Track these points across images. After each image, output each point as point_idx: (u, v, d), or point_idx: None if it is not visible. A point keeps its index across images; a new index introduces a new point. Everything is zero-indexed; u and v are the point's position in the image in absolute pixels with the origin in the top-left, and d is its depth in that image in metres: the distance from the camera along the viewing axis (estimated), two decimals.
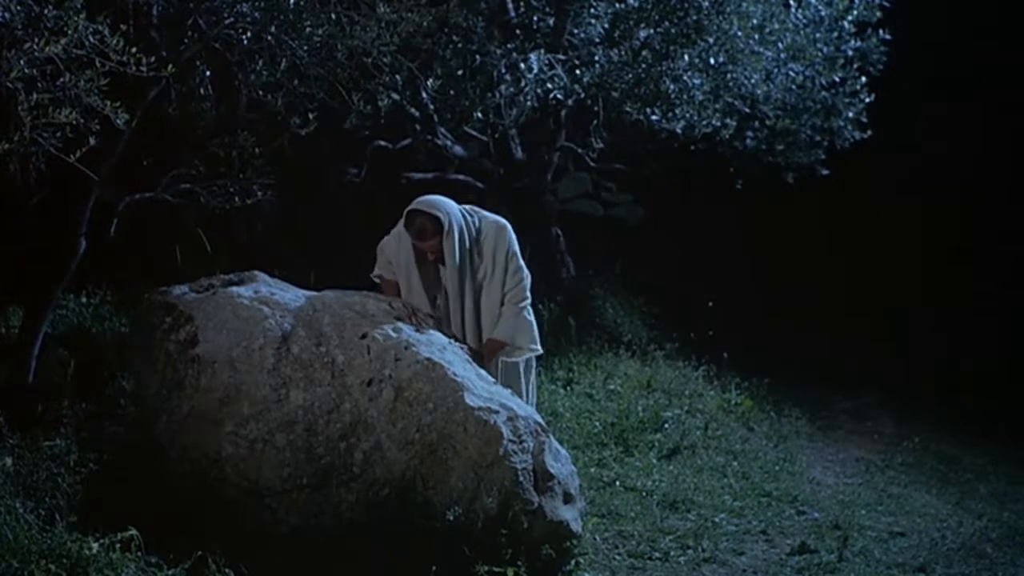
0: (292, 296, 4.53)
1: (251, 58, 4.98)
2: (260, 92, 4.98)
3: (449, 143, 7.42)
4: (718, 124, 7.33)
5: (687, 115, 7.05)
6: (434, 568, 3.95)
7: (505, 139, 7.75)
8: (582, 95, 6.82)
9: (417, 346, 4.30)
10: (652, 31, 6.77)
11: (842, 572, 4.74)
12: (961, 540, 5.40)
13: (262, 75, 4.99)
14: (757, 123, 8.20)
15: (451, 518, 4.05)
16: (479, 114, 6.60)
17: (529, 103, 6.52)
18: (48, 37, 3.66)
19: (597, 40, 6.78)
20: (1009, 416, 8.00)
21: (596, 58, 6.71)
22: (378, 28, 4.78)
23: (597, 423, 6.27)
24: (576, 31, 6.85)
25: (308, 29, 4.77)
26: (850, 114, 8.32)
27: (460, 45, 6.32)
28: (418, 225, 4.51)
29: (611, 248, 9.01)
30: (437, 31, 5.99)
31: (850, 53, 8.10)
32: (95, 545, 3.61)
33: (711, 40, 6.90)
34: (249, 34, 4.83)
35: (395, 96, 6.02)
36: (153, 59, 3.84)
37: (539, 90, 6.42)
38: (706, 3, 6.75)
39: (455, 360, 4.35)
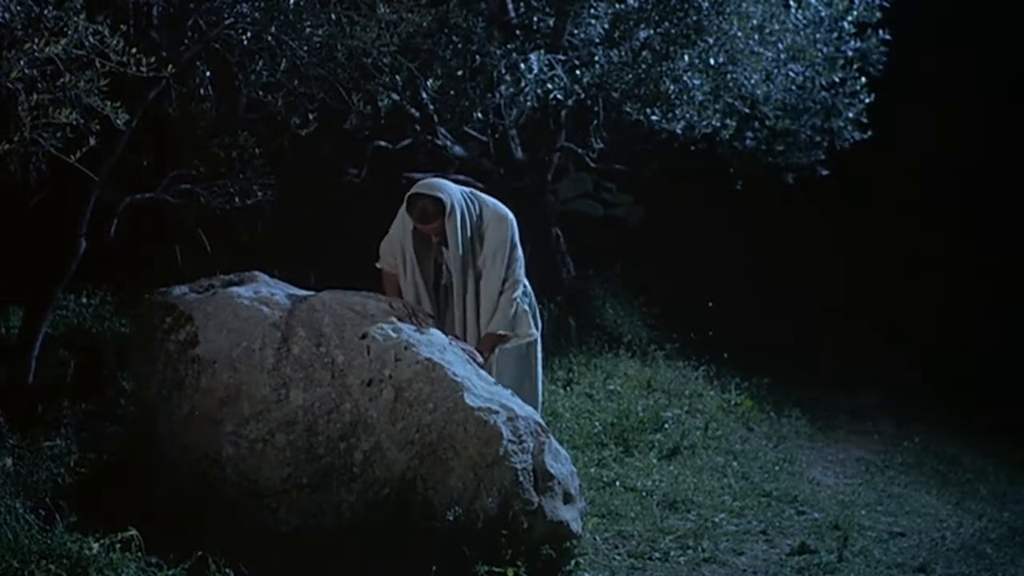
0: (292, 296, 4.53)
1: (251, 58, 4.98)
2: (260, 92, 4.98)
3: (449, 143, 7.42)
4: (718, 124, 7.33)
5: (687, 115, 7.04)
6: (434, 568, 3.95)
7: (505, 139, 7.75)
8: (582, 95, 6.82)
9: (417, 346, 4.30)
10: (652, 31, 6.77)
11: (842, 572, 4.74)
12: (961, 540, 5.40)
13: (262, 75, 4.99)
14: (757, 123, 8.19)
15: (451, 518, 4.06)
16: (479, 114, 6.60)
17: (529, 103, 6.52)
18: (48, 37, 3.66)
19: (597, 40, 6.78)
20: (1009, 416, 8.01)
21: (596, 58, 6.71)
22: (378, 28, 4.79)
23: (597, 423, 6.26)
24: (576, 31, 6.85)
25: (308, 29, 4.78)
26: (850, 114, 8.31)
27: (460, 45, 6.32)
28: (420, 208, 4.51)
29: (611, 248, 9.00)
30: (437, 31, 5.99)
31: (850, 53, 8.09)
32: (95, 545, 3.61)
33: (711, 40, 6.89)
34: (249, 34, 4.84)
35: (395, 96, 6.02)
36: (153, 59, 3.84)
37: (539, 90, 6.42)
38: (706, 3, 6.75)
39: (455, 360, 4.35)
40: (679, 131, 7.27)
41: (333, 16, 4.78)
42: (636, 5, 6.74)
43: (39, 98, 3.67)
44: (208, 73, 5.18)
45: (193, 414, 4.25)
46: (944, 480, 6.79)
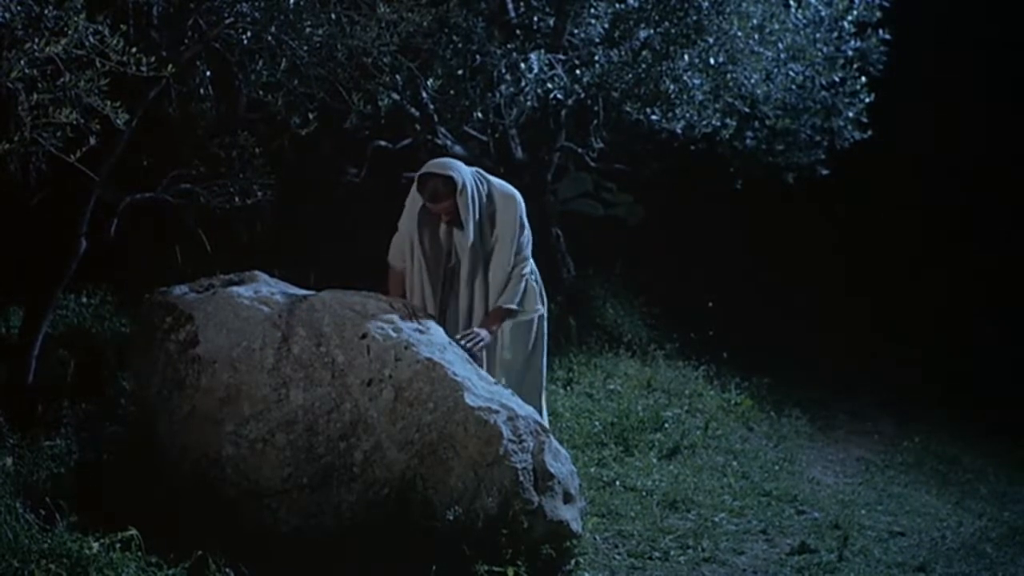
0: (292, 296, 4.53)
1: (251, 58, 4.98)
2: (260, 92, 4.98)
3: (449, 143, 7.42)
4: (718, 124, 7.33)
5: (687, 115, 7.04)
6: (434, 568, 3.95)
7: (505, 139, 7.75)
8: (582, 95, 6.82)
9: (417, 346, 4.30)
10: (652, 31, 6.76)
11: (842, 572, 4.74)
12: (961, 540, 5.40)
13: (262, 75, 4.99)
14: (757, 123, 8.19)
15: (451, 518, 4.06)
16: (479, 114, 6.60)
17: (529, 103, 6.52)
18: (48, 37, 3.66)
19: (597, 40, 6.78)
20: (1009, 416, 8.01)
21: (596, 58, 6.71)
22: (378, 28, 4.78)
23: (597, 423, 6.27)
24: (576, 31, 6.84)
25: (308, 29, 4.77)
26: (850, 114, 8.31)
27: (460, 45, 6.32)
28: (431, 187, 4.51)
29: (611, 248, 9.00)
30: (437, 31, 5.98)
31: (850, 53, 8.09)
32: (95, 545, 3.61)
33: (711, 40, 6.89)
34: (249, 34, 4.83)
35: (395, 96, 6.02)
36: (153, 59, 3.84)
37: (539, 90, 6.42)
38: (706, 3, 6.75)
39: (455, 360, 4.35)
40: (679, 131, 7.27)
41: (333, 16, 4.78)
42: (636, 5, 6.74)
43: (39, 98, 3.67)
44: (208, 73, 5.18)
45: (193, 414, 4.25)
46: (944, 480, 6.79)
